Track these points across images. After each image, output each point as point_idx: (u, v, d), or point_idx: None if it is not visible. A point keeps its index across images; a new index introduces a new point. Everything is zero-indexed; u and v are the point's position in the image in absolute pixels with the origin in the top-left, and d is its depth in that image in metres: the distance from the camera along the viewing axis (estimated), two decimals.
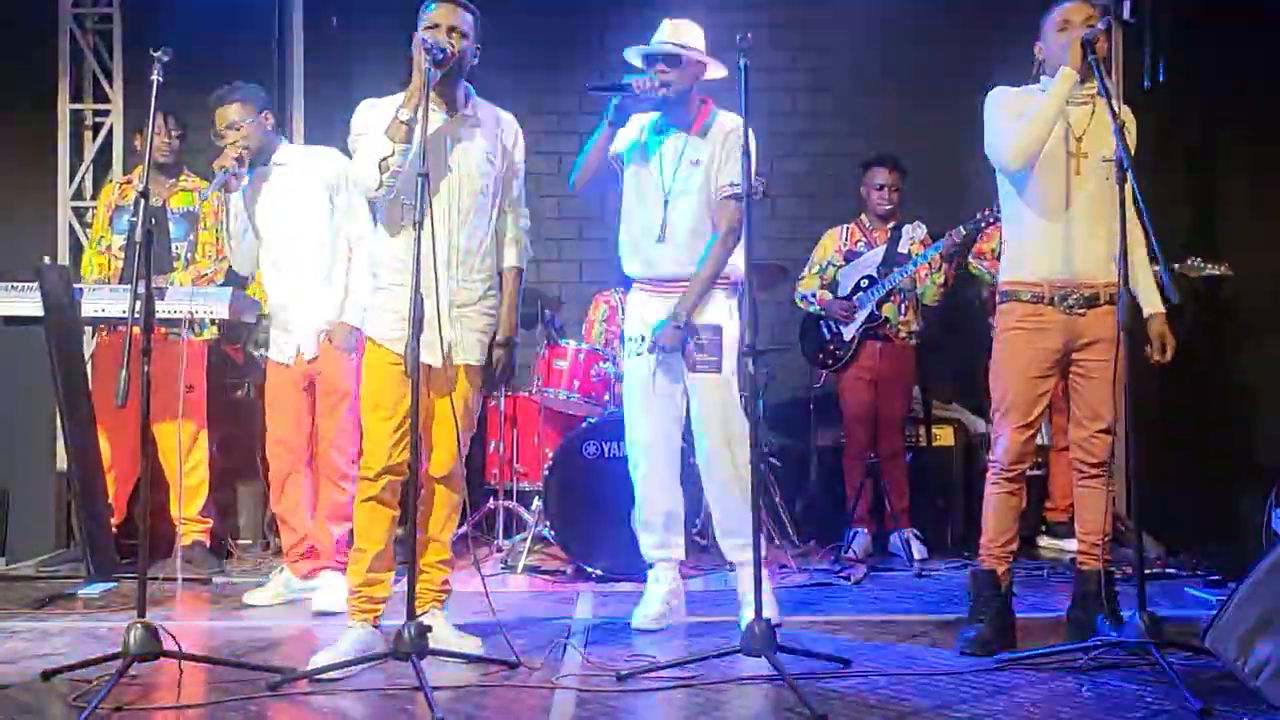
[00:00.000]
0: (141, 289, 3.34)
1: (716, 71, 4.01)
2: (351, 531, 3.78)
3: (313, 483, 4.51)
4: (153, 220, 3.72)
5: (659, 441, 4.09)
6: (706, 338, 3.96)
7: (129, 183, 5.37)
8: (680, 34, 3.97)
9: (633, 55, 4.03)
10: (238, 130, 4.34)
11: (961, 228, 5.12)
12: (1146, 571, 3.37)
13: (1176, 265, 5.08)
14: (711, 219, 3.99)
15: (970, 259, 5.52)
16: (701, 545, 5.14)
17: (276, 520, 4.74)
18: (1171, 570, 4.88)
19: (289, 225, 4.39)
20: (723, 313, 4.01)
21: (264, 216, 4.44)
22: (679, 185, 3.98)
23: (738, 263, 3.90)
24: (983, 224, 5.08)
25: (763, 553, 3.44)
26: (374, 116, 3.54)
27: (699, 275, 3.95)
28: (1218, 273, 5.19)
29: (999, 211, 3.96)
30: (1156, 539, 5.18)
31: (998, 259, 5.37)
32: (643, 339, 4.04)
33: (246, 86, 4.44)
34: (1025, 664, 3.44)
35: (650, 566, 4.16)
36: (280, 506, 4.55)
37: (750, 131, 3.58)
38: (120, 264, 5.17)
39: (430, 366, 3.50)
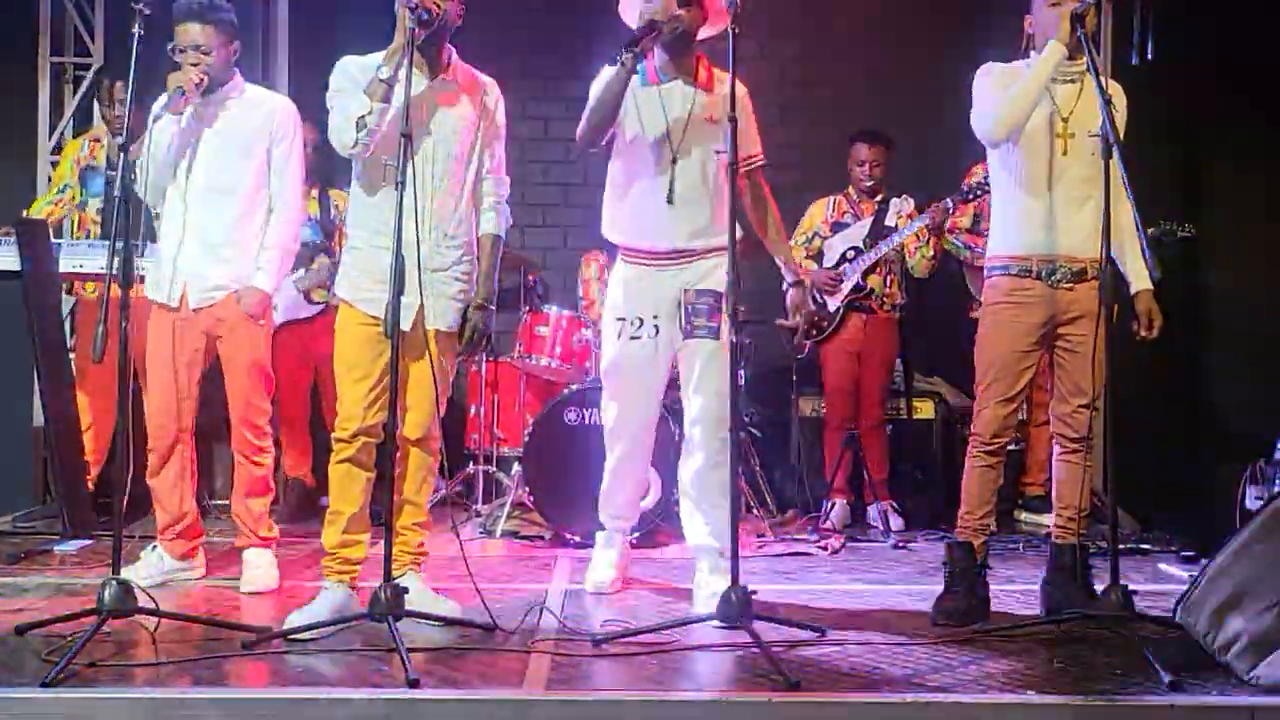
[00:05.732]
0: (120, 245, 3.31)
1: (716, 22, 3.82)
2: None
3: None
4: (131, 178, 3.65)
5: (648, 425, 4.06)
6: (706, 303, 3.85)
7: (98, 141, 5.28)
8: None
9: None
10: (205, 56, 3.93)
11: (949, 200, 5.11)
12: (1120, 546, 3.38)
13: (1150, 229, 5.06)
14: (714, 183, 3.81)
15: (946, 234, 5.51)
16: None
17: None
18: (1145, 545, 4.91)
19: (219, 163, 4.00)
20: (723, 280, 3.91)
21: (198, 147, 4.00)
22: (689, 143, 3.78)
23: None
24: (969, 196, 5.07)
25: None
26: (354, 74, 3.50)
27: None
28: (1189, 235, 5.15)
29: (986, 185, 3.94)
30: (1131, 514, 5.22)
31: (970, 232, 5.43)
32: (641, 321, 3.87)
33: (221, 9, 4.02)
34: (999, 635, 3.46)
35: (600, 529, 4.20)
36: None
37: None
38: (97, 227, 5.10)
39: (402, 330, 3.46)
